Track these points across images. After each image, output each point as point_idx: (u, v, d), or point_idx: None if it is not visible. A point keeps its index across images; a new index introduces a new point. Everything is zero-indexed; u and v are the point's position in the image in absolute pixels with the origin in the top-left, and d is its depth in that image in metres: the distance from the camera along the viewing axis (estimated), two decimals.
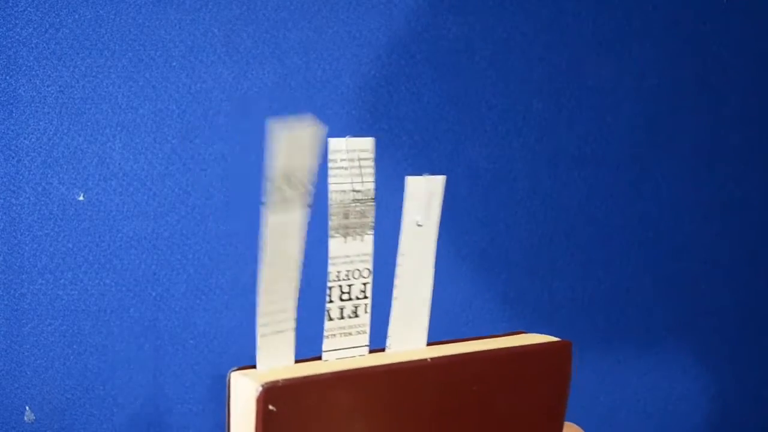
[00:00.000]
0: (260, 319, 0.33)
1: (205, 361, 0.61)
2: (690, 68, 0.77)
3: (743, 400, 0.84)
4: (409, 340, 0.38)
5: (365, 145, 0.35)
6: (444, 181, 0.37)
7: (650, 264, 0.77)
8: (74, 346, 0.57)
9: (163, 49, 0.58)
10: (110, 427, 0.58)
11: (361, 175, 0.35)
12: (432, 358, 0.37)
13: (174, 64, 0.58)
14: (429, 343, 0.39)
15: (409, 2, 0.65)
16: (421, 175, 0.36)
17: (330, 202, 0.35)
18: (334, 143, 0.34)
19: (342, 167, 0.35)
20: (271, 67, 0.61)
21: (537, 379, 0.39)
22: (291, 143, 0.31)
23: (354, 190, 0.35)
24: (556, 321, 0.72)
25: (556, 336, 0.41)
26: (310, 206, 0.33)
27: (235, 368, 0.34)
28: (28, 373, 0.56)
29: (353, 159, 0.35)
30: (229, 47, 0.60)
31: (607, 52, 0.73)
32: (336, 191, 0.35)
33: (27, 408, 0.56)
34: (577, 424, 0.42)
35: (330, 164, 0.34)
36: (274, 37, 0.61)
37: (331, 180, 0.35)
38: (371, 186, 0.35)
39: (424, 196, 0.36)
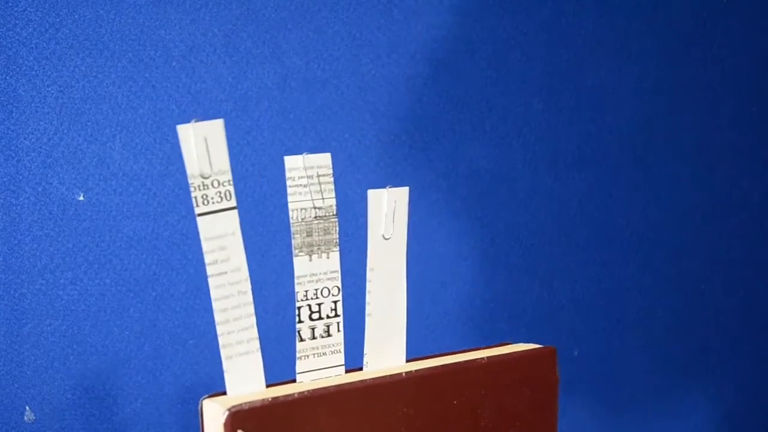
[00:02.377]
0: (222, 340, 0.33)
1: (204, 361, 0.61)
2: (690, 68, 0.77)
3: (743, 401, 0.84)
4: (388, 358, 0.37)
5: (323, 161, 0.35)
6: (407, 192, 0.36)
7: (650, 264, 0.77)
8: (74, 346, 0.57)
9: (163, 49, 0.58)
10: (110, 427, 0.58)
11: (321, 191, 0.35)
12: (406, 373, 0.36)
13: (174, 64, 0.58)
14: (408, 360, 0.38)
15: (409, 2, 0.65)
16: (393, 184, 0.36)
17: (291, 220, 0.34)
18: (291, 161, 0.34)
19: (301, 185, 0.34)
20: (271, 67, 0.61)
21: (521, 388, 0.39)
22: (199, 142, 0.31)
23: (315, 207, 0.35)
24: (556, 321, 0.72)
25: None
26: (235, 208, 0.33)
27: (206, 396, 0.33)
28: (28, 373, 0.56)
29: (312, 176, 0.34)
30: (229, 47, 0.60)
31: (607, 52, 0.73)
32: (296, 209, 0.34)
33: (27, 408, 0.56)
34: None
35: (288, 182, 0.34)
36: (274, 37, 0.61)
37: (290, 198, 0.34)
38: (332, 202, 0.35)
39: (387, 208, 0.36)
